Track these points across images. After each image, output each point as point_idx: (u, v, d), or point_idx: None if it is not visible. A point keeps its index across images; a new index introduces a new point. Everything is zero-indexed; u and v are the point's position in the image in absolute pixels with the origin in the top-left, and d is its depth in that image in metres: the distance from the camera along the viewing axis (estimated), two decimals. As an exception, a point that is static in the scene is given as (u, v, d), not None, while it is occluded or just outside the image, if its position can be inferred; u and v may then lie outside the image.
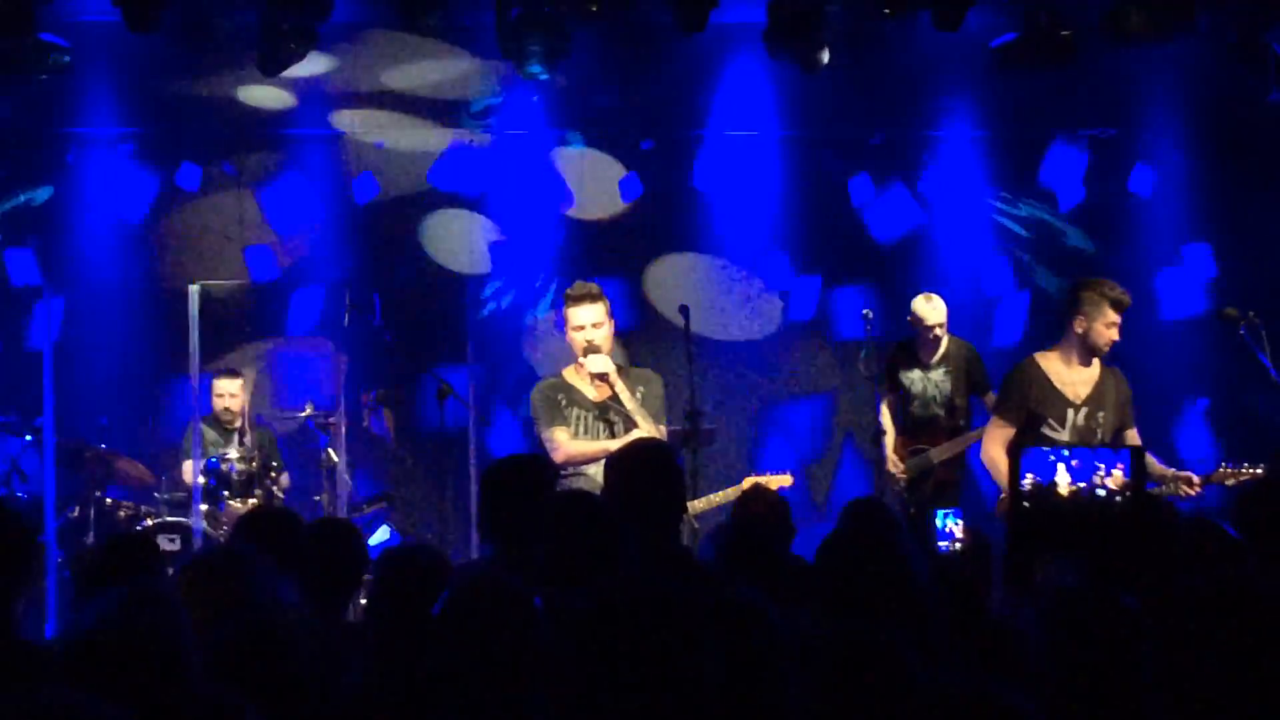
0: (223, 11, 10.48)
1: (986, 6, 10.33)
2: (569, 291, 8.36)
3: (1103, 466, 6.04)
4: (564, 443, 8.00)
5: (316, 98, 11.53)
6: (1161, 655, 3.27)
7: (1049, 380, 8.16)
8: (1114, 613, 3.44)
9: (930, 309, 10.14)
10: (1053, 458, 6.09)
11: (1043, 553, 5.21)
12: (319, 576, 5.26)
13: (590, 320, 8.15)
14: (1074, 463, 6.06)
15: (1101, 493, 5.98)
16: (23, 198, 11.68)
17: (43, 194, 11.71)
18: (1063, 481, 5.99)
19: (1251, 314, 8.88)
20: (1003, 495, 8.21)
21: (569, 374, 8.28)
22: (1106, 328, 8.07)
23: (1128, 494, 5.92)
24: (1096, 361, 8.20)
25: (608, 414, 8.07)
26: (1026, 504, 5.87)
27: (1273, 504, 5.20)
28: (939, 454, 10.07)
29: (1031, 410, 8.14)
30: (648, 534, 5.05)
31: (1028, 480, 5.92)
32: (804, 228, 12.25)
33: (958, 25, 10.03)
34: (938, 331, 10.14)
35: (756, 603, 3.76)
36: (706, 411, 9.45)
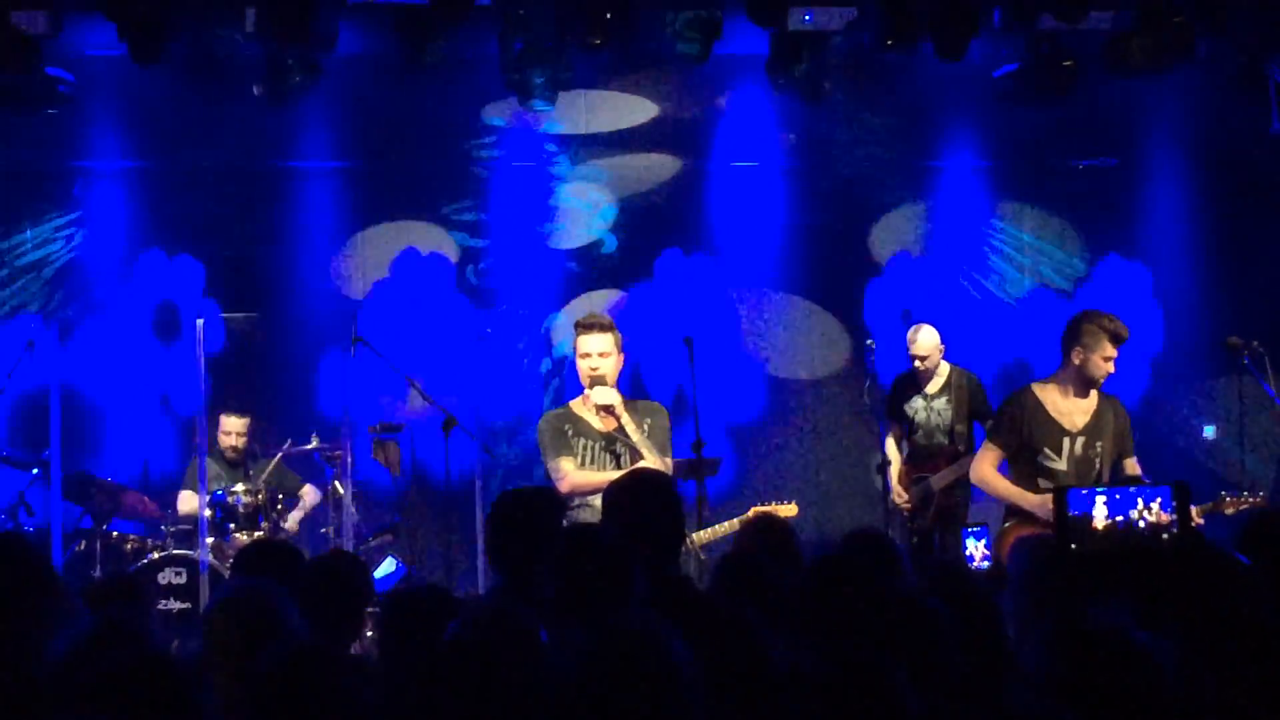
0: (228, 44, 10.52)
1: (989, 37, 10.36)
2: (580, 320, 8.38)
3: (1140, 500, 6.03)
4: (570, 473, 7.99)
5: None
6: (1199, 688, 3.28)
7: (1045, 410, 8.15)
8: (1125, 649, 3.43)
9: (913, 339, 10.34)
10: (1087, 492, 6.10)
11: (1088, 592, 5.18)
12: (324, 610, 5.26)
13: (597, 349, 8.14)
14: (1116, 496, 6.05)
15: (1141, 525, 5.96)
16: (29, 233, 11.72)
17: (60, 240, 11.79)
18: (1099, 515, 5.97)
19: (1255, 343, 8.89)
20: (1006, 525, 8.22)
21: (576, 405, 8.29)
22: (1104, 360, 8.06)
23: (1173, 530, 5.90)
24: (1095, 391, 8.20)
25: (614, 445, 8.07)
26: (1074, 545, 5.85)
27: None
28: (939, 480, 10.17)
29: (1026, 440, 8.14)
30: (647, 564, 5.07)
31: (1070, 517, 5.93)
32: (808, 257, 12.31)
33: (960, 55, 10.06)
34: (917, 364, 10.35)
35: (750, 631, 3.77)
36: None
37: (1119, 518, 5.95)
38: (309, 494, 10.89)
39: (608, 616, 3.61)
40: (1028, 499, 7.91)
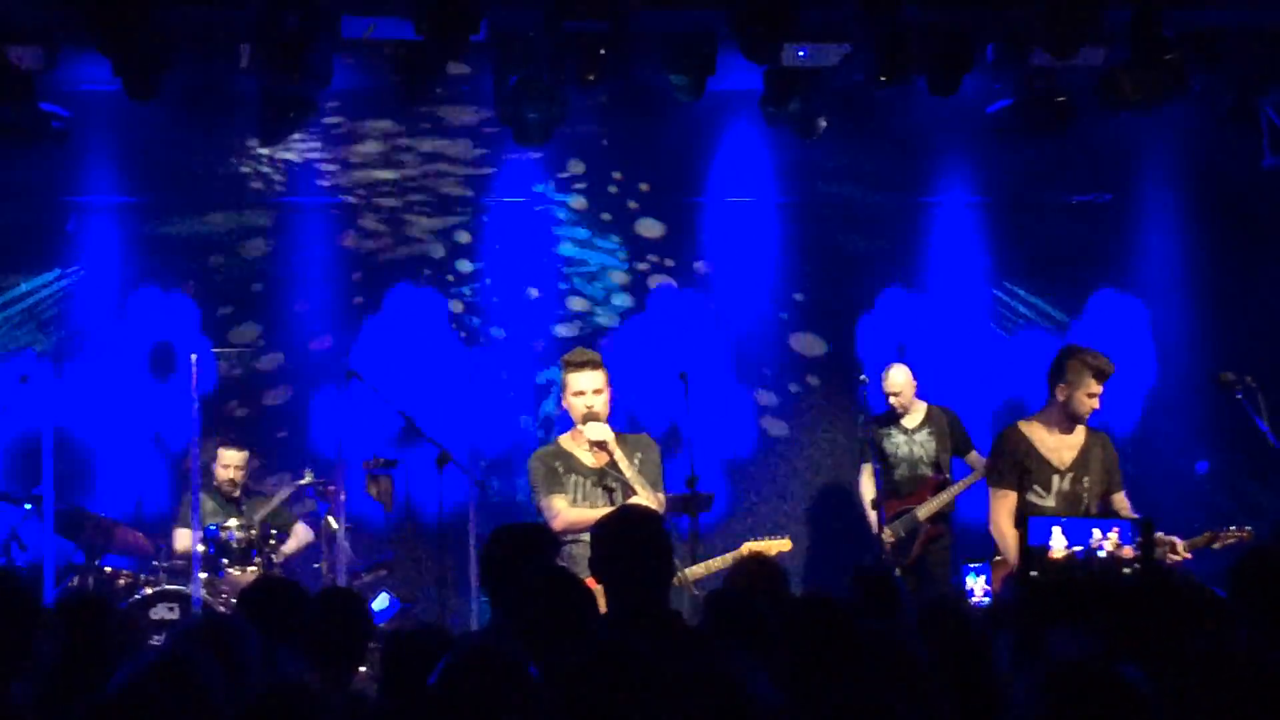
0: (222, 80, 10.53)
1: (982, 73, 10.39)
2: (568, 357, 8.36)
3: (1097, 531, 6.03)
4: (562, 510, 7.98)
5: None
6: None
7: (1034, 446, 8.13)
8: (1113, 685, 3.42)
9: (885, 375, 10.68)
10: (1058, 523, 6.11)
11: (1051, 621, 5.18)
12: (326, 647, 5.25)
13: (591, 386, 8.14)
14: (1073, 526, 6.07)
15: (1101, 554, 5.96)
16: (23, 286, 11.71)
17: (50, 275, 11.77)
18: (1057, 545, 5.98)
19: (1248, 378, 8.89)
20: (996, 559, 8.20)
21: (566, 441, 8.28)
22: (1088, 396, 8.04)
23: (1136, 565, 5.89)
24: (1081, 427, 8.17)
25: (606, 481, 8.06)
26: (1034, 572, 5.86)
27: (1271, 570, 5.18)
28: (925, 511, 10.24)
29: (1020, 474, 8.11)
30: (636, 600, 5.06)
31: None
32: (800, 291, 12.32)
33: (953, 91, 10.09)
34: (891, 399, 10.60)
35: (733, 675, 3.76)
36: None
37: (1077, 547, 5.96)
38: (301, 531, 10.83)
39: (571, 647, 3.61)
40: None
